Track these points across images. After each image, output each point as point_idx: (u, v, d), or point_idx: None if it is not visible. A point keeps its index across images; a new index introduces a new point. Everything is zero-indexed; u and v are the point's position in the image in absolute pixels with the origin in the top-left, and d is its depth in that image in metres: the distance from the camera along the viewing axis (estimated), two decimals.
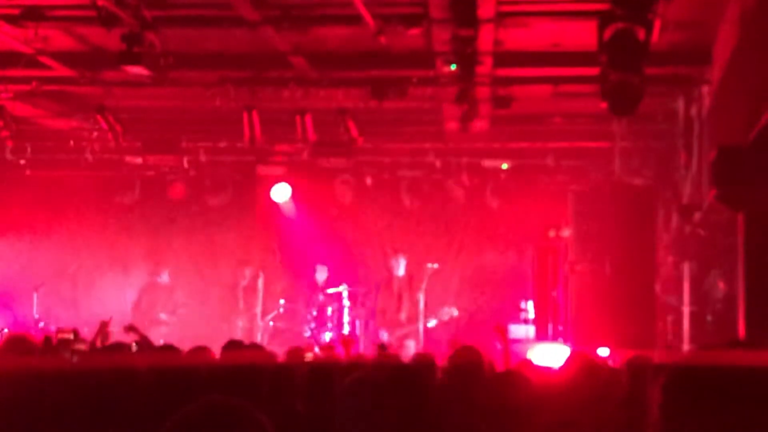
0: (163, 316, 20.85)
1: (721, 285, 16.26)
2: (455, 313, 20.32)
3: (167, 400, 5.31)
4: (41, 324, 19.24)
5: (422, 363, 7.67)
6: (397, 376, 5.54)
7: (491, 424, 5.65)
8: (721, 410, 2.76)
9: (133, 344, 9.20)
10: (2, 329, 18.26)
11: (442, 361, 8.47)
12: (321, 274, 21.10)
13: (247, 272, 21.25)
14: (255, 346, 10.82)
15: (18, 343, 6.43)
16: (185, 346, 8.00)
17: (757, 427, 2.74)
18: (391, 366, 6.28)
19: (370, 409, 4.96)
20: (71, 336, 8.80)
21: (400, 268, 20.05)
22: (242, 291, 21.03)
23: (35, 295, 20.04)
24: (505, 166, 21.11)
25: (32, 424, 5.41)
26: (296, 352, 10.04)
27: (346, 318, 20.27)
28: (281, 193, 21.76)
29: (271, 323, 20.42)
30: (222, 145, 20.72)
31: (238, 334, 20.01)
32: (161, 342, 18.43)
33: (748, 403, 2.76)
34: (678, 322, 17.01)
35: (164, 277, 21.48)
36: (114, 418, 5.42)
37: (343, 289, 20.42)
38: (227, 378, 6.13)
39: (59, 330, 9.11)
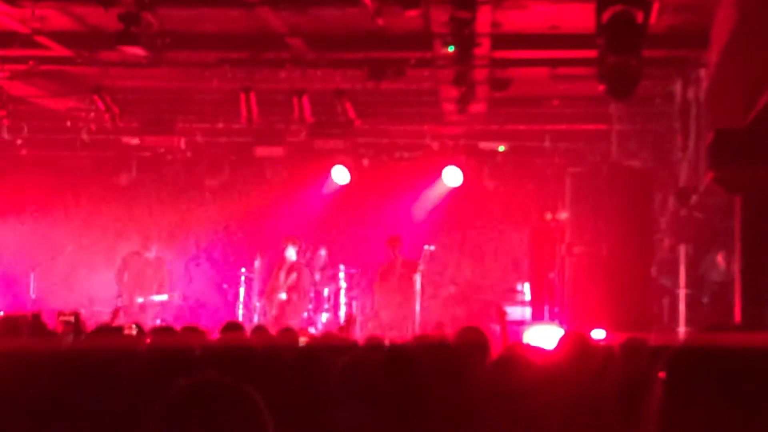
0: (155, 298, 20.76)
1: (720, 261, 16.31)
2: (452, 290, 20.41)
3: (163, 380, 5.33)
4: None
5: (420, 345, 7.68)
6: (393, 357, 5.55)
7: (489, 406, 5.67)
8: (723, 392, 2.77)
9: (133, 326, 9.21)
10: None
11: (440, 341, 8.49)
12: (317, 255, 21.09)
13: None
14: (258, 329, 10.87)
15: (14, 324, 6.44)
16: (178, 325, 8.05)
17: (759, 408, 2.76)
18: (387, 348, 6.30)
19: (365, 391, 4.97)
20: (72, 319, 8.78)
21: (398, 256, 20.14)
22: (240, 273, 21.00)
23: (32, 276, 20.04)
24: (502, 148, 21.09)
25: (30, 405, 5.42)
26: (289, 333, 10.07)
27: (342, 299, 20.27)
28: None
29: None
30: (219, 126, 20.69)
31: (237, 315, 20.08)
32: (158, 322, 18.55)
33: (750, 384, 2.77)
34: (674, 304, 17.03)
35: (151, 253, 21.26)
36: (110, 400, 5.43)
37: (340, 271, 20.43)
38: (222, 359, 6.15)
39: (60, 313, 9.08)
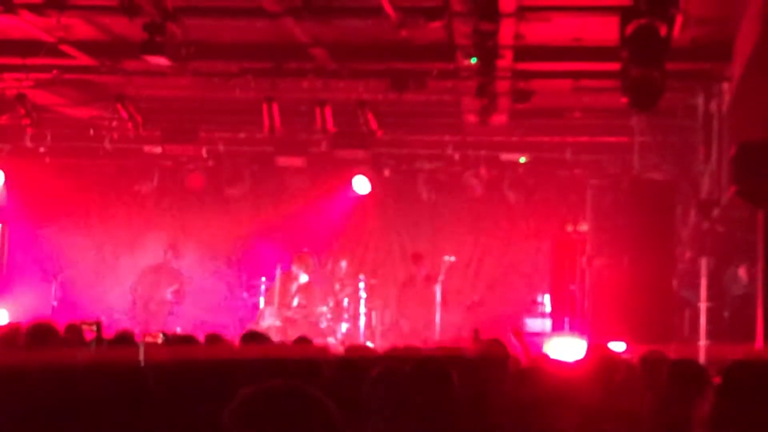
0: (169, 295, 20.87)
1: (742, 275, 16.26)
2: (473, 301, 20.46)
3: (191, 391, 5.35)
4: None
5: (445, 355, 7.69)
6: (421, 368, 5.56)
7: (513, 419, 5.68)
8: None
9: (160, 336, 9.24)
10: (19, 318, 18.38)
11: (463, 352, 8.49)
12: (337, 265, 21.13)
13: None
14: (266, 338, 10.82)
15: (42, 332, 6.48)
16: (199, 334, 8.07)
17: None
18: (416, 358, 6.32)
19: (396, 401, 4.97)
20: (94, 328, 8.79)
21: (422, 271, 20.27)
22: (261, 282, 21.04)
23: (54, 283, 20.11)
24: (523, 159, 21.08)
25: (55, 416, 5.43)
26: (308, 345, 10.08)
27: (362, 309, 20.28)
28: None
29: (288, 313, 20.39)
30: (241, 135, 20.75)
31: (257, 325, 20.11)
32: (178, 330, 18.57)
33: None
34: (695, 317, 16.98)
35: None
36: (137, 412, 5.44)
37: (360, 281, 20.45)
38: (251, 369, 6.13)
39: (83, 322, 9.10)
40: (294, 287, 20.03)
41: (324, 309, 19.95)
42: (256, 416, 2.95)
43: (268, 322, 19.50)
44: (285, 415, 2.95)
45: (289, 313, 19.80)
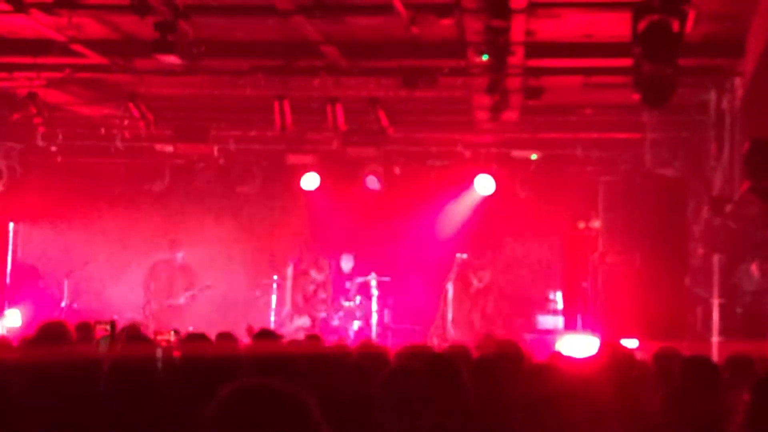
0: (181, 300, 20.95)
1: (754, 271, 16.22)
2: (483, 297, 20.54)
3: (202, 389, 5.36)
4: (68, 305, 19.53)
5: (458, 354, 7.69)
6: (434, 366, 5.56)
7: (527, 416, 5.68)
8: None
9: (171, 333, 9.22)
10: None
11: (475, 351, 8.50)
12: (347, 263, 21.14)
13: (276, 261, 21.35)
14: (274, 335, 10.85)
15: (54, 330, 6.47)
16: (211, 332, 8.09)
17: None
18: (428, 356, 6.31)
19: (409, 399, 4.97)
20: (108, 327, 8.77)
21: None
22: (271, 279, 21.07)
23: (66, 282, 20.15)
24: (534, 156, 21.05)
25: (69, 414, 5.44)
26: (318, 342, 10.07)
27: (374, 307, 20.29)
28: (311, 181, 21.70)
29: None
30: (252, 133, 20.75)
31: (270, 322, 20.14)
32: (190, 329, 18.60)
33: None
34: (707, 313, 16.95)
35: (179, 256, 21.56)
36: (150, 409, 5.46)
37: (372, 278, 20.45)
38: (262, 366, 6.14)
39: (97, 321, 9.06)
40: (311, 287, 20.18)
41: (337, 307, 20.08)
42: (233, 416, 2.95)
43: (298, 323, 19.58)
44: (262, 413, 2.95)
45: (321, 313, 19.98)
